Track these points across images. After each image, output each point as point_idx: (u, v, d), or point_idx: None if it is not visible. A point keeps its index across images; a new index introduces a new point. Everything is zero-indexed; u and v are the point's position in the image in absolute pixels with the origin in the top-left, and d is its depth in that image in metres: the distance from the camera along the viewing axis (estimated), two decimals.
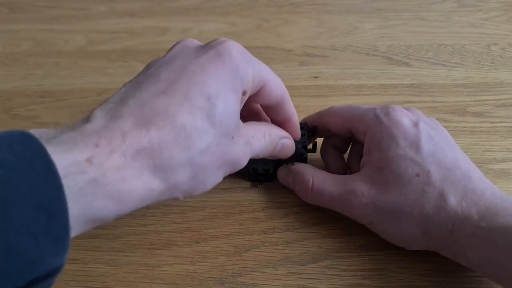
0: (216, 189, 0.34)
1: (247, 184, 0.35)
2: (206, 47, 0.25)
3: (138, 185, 0.21)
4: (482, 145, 0.37)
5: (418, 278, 0.28)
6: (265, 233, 0.31)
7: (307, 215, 0.32)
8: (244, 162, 0.26)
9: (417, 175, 0.27)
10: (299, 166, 0.32)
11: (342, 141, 0.34)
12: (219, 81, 0.23)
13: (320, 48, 0.49)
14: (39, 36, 0.54)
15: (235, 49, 0.24)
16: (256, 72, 0.25)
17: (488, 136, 0.38)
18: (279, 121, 0.30)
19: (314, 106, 0.40)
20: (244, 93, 0.25)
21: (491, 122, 0.39)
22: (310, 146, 0.34)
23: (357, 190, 0.28)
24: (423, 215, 0.26)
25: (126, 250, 0.31)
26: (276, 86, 0.27)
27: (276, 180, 0.34)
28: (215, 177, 0.25)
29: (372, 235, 0.31)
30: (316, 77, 0.45)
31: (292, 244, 0.31)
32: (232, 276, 0.29)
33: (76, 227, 0.19)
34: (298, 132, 0.31)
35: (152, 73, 0.24)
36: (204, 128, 0.22)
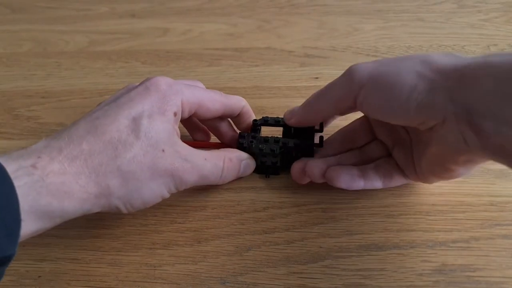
0: (217, 189, 0.34)
1: (248, 184, 0.35)
2: (138, 85, 0.30)
3: (76, 187, 0.25)
4: None
5: (418, 278, 0.29)
6: (266, 233, 0.32)
7: (308, 215, 0.32)
8: (188, 178, 0.29)
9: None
10: None
11: None
12: (145, 106, 0.28)
13: (320, 49, 0.50)
14: (40, 37, 0.54)
15: (162, 82, 0.29)
16: (186, 97, 0.30)
17: None
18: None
19: None
20: (175, 114, 0.29)
21: None
22: (316, 141, 0.35)
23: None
24: (423, 56, 0.26)
25: (128, 250, 0.31)
26: (214, 104, 0.32)
27: (283, 173, 0.35)
28: (152, 188, 0.28)
29: (372, 235, 0.31)
30: (317, 78, 0.45)
31: (293, 244, 0.31)
32: (233, 275, 0.29)
33: (26, 219, 0.23)
34: (250, 113, 0.36)
35: (94, 109, 0.29)
36: (130, 141, 0.27)
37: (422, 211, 0.32)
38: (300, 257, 0.30)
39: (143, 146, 0.27)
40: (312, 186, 0.34)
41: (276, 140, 0.34)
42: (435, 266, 0.29)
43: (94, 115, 0.28)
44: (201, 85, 0.34)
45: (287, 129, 0.35)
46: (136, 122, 0.27)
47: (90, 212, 0.26)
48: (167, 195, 0.29)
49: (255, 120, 0.36)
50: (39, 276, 0.30)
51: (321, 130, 0.35)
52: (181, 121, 0.31)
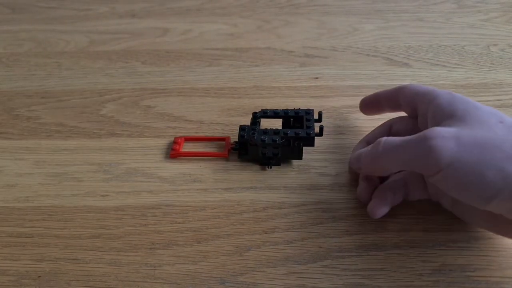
0: (217, 189, 0.34)
1: (248, 184, 0.35)
2: None
3: None
4: None
5: (418, 278, 0.29)
6: (266, 233, 0.32)
7: (308, 215, 0.32)
8: None
9: (501, 122, 0.26)
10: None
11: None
12: None
13: (320, 49, 0.50)
14: (40, 37, 0.54)
15: None
16: None
17: None
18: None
19: (315, 106, 0.40)
20: None
21: None
22: (317, 130, 0.35)
23: (433, 128, 0.26)
24: None
25: (128, 250, 0.31)
26: None
27: (284, 163, 0.36)
28: None
29: (372, 235, 0.31)
30: (317, 78, 0.45)
31: (292, 244, 0.31)
32: (233, 275, 0.29)
33: None
34: None
35: None
36: None
37: (422, 211, 0.32)
38: (300, 257, 0.30)
39: None
40: (312, 186, 0.34)
41: (276, 131, 0.35)
42: (435, 266, 0.29)
43: None
44: None
45: (287, 120, 0.37)
46: None
47: None
48: None
49: (254, 113, 0.37)
50: (39, 276, 0.30)
51: (320, 134, 0.35)
52: None
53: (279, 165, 0.36)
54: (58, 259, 0.30)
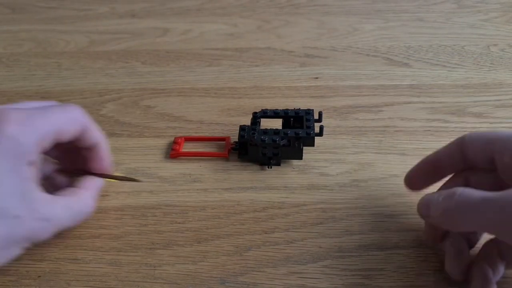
0: (217, 189, 0.34)
1: (248, 184, 0.35)
2: None
3: None
4: None
5: (418, 278, 0.29)
6: (266, 233, 0.31)
7: (308, 215, 0.32)
8: (47, 236, 0.26)
9: None
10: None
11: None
12: None
13: (320, 49, 0.50)
14: (40, 37, 0.54)
15: (11, 127, 0.24)
16: (41, 134, 0.26)
17: None
18: (88, 148, 0.30)
19: (315, 106, 0.40)
20: (31, 163, 0.25)
21: (491, 123, 0.39)
22: (317, 130, 0.35)
23: None
24: None
25: (128, 250, 0.31)
26: (73, 124, 0.28)
27: (284, 163, 0.36)
28: (7, 254, 0.25)
29: (372, 235, 0.31)
30: (317, 78, 0.45)
31: (292, 244, 0.31)
32: (233, 275, 0.29)
33: None
34: (107, 154, 0.31)
35: None
36: None
37: None
38: (300, 257, 0.30)
39: None
40: (312, 186, 0.35)
41: (276, 131, 0.35)
42: (435, 266, 0.29)
43: None
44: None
45: (287, 120, 0.37)
46: None
47: None
48: (20, 252, 0.27)
49: (254, 113, 0.37)
50: (39, 276, 0.29)
51: (320, 134, 0.35)
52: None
53: (279, 165, 0.36)
54: (58, 259, 0.30)
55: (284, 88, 0.44)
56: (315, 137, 0.35)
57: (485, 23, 0.53)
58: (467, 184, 0.27)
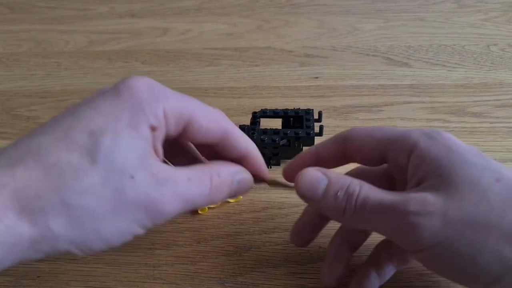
0: None
1: None
2: (111, 87, 0.23)
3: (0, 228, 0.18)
4: (482, 146, 0.37)
5: (418, 278, 0.28)
6: (266, 233, 0.31)
7: None
8: (168, 209, 0.22)
9: (498, 180, 0.21)
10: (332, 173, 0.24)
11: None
12: (109, 117, 0.21)
13: (320, 49, 0.49)
14: (39, 37, 0.54)
15: (140, 84, 0.22)
16: (171, 107, 0.23)
17: (487, 137, 0.38)
18: (235, 159, 0.26)
19: (314, 106, 0.40)
20: (153, 128, 0.22)
21: (491, 123, 0.39)
22: (317, 130, 0.35)
23: (417, 197, 0.21)
24: None
25: (127, 250, 0.31)
26: (210, 121, 0.24)
27: (284, 163, 0.36)
28: (118, 226, 0.21)
29: (371, 235, 0.31)
30: (317, 78, 0.45)
31: (292, 244, 0.31)
32: (232, 276, 0.29)
33: None
34: (261, 166, 0.26)
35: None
36: (82, 165, 0.20)
37: None
38: (300, 257, 0.30)
39: (102, 172, 0.20)
40: None
41: (275, 131, 0.35)
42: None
43: (42, 127, 0.21)
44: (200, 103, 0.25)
45: (287, 120, 0.37)
46: (93, 140, 0.20)
47: (29, 260, 0.20)
48: (140, 232, 0.22)
49: (254, 113, 0.37)
50: (38, 276, 0.29)
51: (320, 134, 0.35)
52: (165, 143, 0.24)
53: (278, 165, 0.36)
54: (57, 259, 0.30)
55: (284, 88, 0.44)
56: (315, 137, 0.35)
57: (485, 23, 0.53)
58: (345, 150, 0.26)
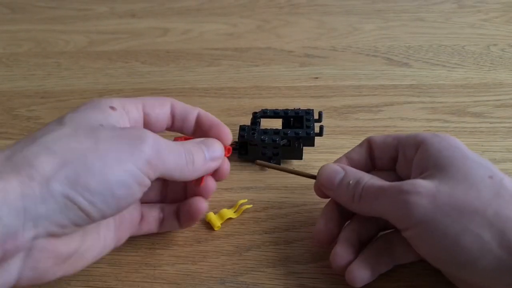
0: (217, 189, 0.34)
1: (248, 184, 0.35)
2: None
3: None
4: (482, 146, 0.37)
5: (418, 278, 0.29)
6: (266, 233, 0.31)
7: (308, 215, 0.32)
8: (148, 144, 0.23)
9: (490, 177, 0.23)
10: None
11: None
12: None
13: (320, 49, 0.50)
14: (40, 37, 0.54)
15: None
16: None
17: (487, 137, 0.38)
18: (206, 132, 0.30)
19: (315, 106, 0.40)
20: (112, 108, 0.25)
21: (491, 123, 0.39)
22: (317, 130, 0.35)
23: (412, 181, 0.24)
24: (500, 216, 0.22)
25: (128, 250, 0.31)
26: (160, 108, 0.29)
27: (284, 163, 0.36)
28: (109, 162, 0.21)
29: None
30: (317, 78, 0.45)
31: (292, 244, 0.31)
32: (233, 275, 0.29)
33: None
34: (226, 134, 0.29)
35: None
36: (53, 126, 0.23)
37: None
38: (300, 257, 0.30)
39: (71, 126, 0.22)
40: (312, 187, 0.34)
41: (276, 131, 0.35)
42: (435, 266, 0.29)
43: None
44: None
45: (287, 120, 0.37)
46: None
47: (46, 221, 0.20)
48: (146, 181, 0.23)
49: (254, 113, 0.37)
50: None
51: (320, 134, 0.35)
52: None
53: (279, 164, 0.36)
54: None
55: (284, 88, 0.44)
56: (315, 137, 0.35)
57: (485, 23, 0.53)
58: (372, 154, 0.30)
